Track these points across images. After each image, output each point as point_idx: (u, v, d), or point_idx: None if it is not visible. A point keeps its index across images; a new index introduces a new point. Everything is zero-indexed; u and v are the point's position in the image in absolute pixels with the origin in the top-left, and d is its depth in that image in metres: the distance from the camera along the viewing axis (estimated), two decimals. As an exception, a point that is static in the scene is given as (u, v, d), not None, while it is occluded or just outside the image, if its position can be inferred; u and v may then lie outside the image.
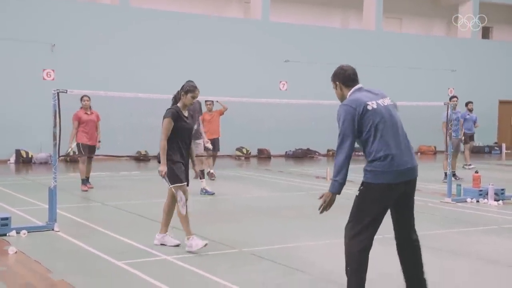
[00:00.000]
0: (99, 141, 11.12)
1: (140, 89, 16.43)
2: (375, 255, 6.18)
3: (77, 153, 11.17)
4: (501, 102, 25.03)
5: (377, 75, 21.98)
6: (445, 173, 12.02)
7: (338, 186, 4.27)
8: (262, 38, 20.56)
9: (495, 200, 9.84)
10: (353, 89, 4.41)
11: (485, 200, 9.89)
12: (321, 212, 4.37)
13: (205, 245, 6.08)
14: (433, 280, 4.79)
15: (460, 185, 10.25)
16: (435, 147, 22.84)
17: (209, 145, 10.90)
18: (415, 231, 4.48)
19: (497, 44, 25.82)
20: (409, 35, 23.90)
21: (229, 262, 5.87)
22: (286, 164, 18.46)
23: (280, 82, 20.79)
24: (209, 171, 12.77)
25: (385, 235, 7.09)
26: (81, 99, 10.98)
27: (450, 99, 13.75)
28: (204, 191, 10.52)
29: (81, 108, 11.02)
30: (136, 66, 18.49)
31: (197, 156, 10.55)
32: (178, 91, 6.30)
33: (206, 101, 12.83)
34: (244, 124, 18.25)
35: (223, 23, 20.25)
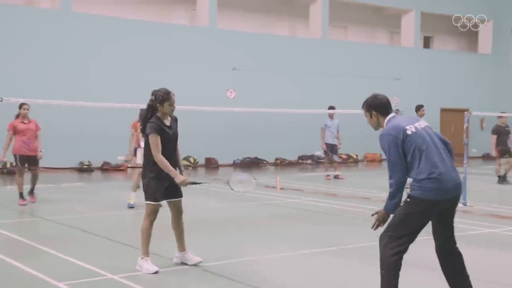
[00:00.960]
0: (41, 151, 10.53)
1: (82, 97, 16.08)
2: (332, 266, 6.04)
3: (14, 164, 10.56)
4: (443, 110, 25.64)
5: (324, 83, 22.12)
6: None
7: (392, 208, 4.41)
8: (209, 46, 20.28)
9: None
10: (388, 117, 4.55)
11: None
12: (375, 229, 4.53)
13: (156, 272, 5.70)
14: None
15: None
16: (380, 155, 23.13)
17: None
18: (455, 242, 4.62)
19: (438, 53, 26.48)
20: (354, 44, 24.17)
21: (181, 280, 5.56)
22: (234, 173, 18.16)
23: (228, 90, 20.55)
24: None
25: (340, 246, 7.01)
26: (20, 107, 10.39)
27: (418, 108, 13.90)
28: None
29: (18, 116, 10.42)
30: (77, 73, 17.85)
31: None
32: (153, 101, 5.82)
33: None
34: (191, 133, 17.87)
35: (169, 29, 19.86)
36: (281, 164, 21.04)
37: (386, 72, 23.49)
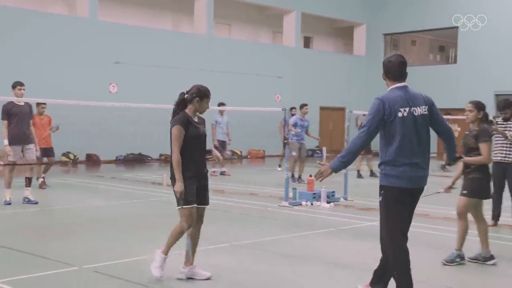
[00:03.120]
0: None
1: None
2: (224, 264, 6.07)
3: None
4: (322, 108, 26.74)
5: (209, 79, 21.96)
6: (292, 175, 12.74)
7: (339, 166, 4.39)
8: (91, 38, 19.54)
9: (327, 202, 10.36)
10: (395, 85, 4.47)
11: (318, 202, 10.36)
12: (317, 179, 4.49)
13: (159, 276, 5.35)
14: (289, 285, 4.81)
15: (295, 188, 10.62)
16: (264, 151, 23.65)
17: (38, 153, 10.11)
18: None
19: (317, 54, 27.56)
20: (238, 41, 24.47)
21: (68, 282, 5.33)
22: (117, 170, 17.72)
23: (110, 84, 19.94)
24: (41, 179, 11.93)
25: (232, 243, 7.08)
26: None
27: (302, 106, 14.36)
28: (26, 200, 9.78)
29: None
30: None
31: (28, 164, 9.65)
32: (188, 95, 5.41)
33: (38, 103, 11.82)
34: (71, 128, 17.14)
35: (47, 19, 18.86)
36: (166, 160, 20.81)
37: (269, 70, 24.04)
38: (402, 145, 4.34)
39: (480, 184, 6.15)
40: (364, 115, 15.59)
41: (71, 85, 18.33)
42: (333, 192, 10.75)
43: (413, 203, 4.51)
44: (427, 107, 4.48)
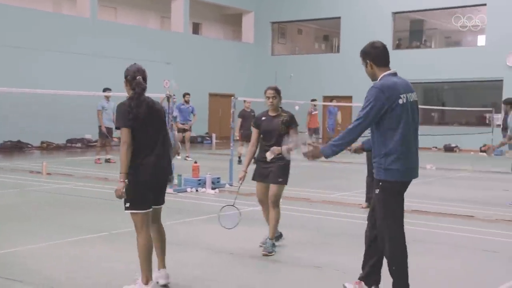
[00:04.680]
0: None
1: None
2: (103, 252, 5.92)
3: None
4: (211, 95, 26.78)
5: (93, 64, 21.37)
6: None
7: (330, 153, 4.26)
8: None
9: (212, 188, 10.42)
10: (387, 72, 4.27)
11: (204, 189, 10.39)
12: (306, 157, 4.37)
13: None
14: (171, 274, 4.77)
15: (180, 175, 10.56)
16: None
17: None
18: None
19: (206, 40, 27.49)
20: (125, 26, 23.80)
21: None
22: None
23: (-16, 67, 18.66)
24: None
25: (111, 232, 6.92)
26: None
27: (184, 95, 14.24)
28: None
29: None
30: None
31: None
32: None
33: None
34: None
35: None
36: (48, 148, 19.90)
37: (158, 56, 23.63)
38: (405, 133, 4.19)
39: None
40: (244, 101, 15.65)
41: None
42: (218, 178, 10.82)
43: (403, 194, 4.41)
44: (416, 94, 4.38)
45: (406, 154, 4.22)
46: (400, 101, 4.17)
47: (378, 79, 4.28)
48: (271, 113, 6.20)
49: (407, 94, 4.24)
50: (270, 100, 6.14)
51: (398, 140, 4.18)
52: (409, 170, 4.27)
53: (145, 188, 4.50)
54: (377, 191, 4.31)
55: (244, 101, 15.52)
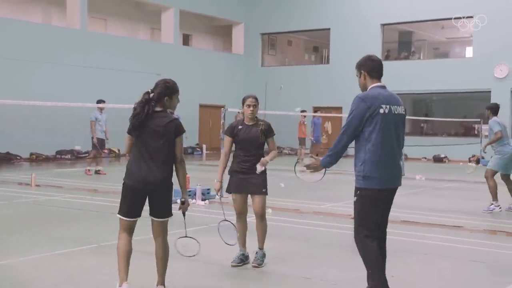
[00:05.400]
0: None
1: None
2: (92, 265, 5.89)
3: None
4: (201, 106, 26.80)
5: (83, 75, 21.35)
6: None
7: (327, 164, 4.47)
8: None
9: (202, 200, 10.41)
10: (376, 84, 4.44)
11: (194, 200, 10.37)
12: (308, 169, 4.58)
13: None
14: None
15: (170, 186, 10.53)
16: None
17: None
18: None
19: (196, 51, 27.56)
20: (115, 37, 23.81)
21: None
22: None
23: (-27, 79, 18.59)
24: None
25: (101, 244, 6.90)
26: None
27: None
28: None
29: None
30: None
31: None
32: (149, 94, 4.80)
33: None
34: None
35: None
36: (37, 159, 19.81)
37: (148, 67, 23.65)
38: (383, 142, 4.35)
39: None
40: (238, 112, 15.87)
41: None
42: (208, 189, 10.81)
43: (388, 202, 4.53)
44: (403, 107, 4.54)
45: (386, 163, 4.37)
46: (381, 111, 4.33)
47: (367, 90, 4.49)
48: (248, 122, 5.99)
49: (392, 106, 4.39)
50: (251, 108, 5.92)
51: (377, 148, 4.34)
52: (388, 179, 4.41)
53: (131, 194, 4.67)
54: (355, 198, 4.46)
55: (238, 112, 15.80)
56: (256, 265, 5.98)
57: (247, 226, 6.15)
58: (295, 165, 4.96)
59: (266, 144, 6.06)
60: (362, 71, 4.50)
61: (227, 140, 6.04)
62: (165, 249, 4.78)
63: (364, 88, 4.52)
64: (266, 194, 6.02)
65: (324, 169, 4.56)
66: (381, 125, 4.32)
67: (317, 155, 4.96)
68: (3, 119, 18.25)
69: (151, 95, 4.76)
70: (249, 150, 5.93)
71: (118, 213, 4.74)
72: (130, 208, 4.68)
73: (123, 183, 4.72)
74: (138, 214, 4.71)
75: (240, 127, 5.99)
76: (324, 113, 21.81)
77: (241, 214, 6.10)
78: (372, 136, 4.33)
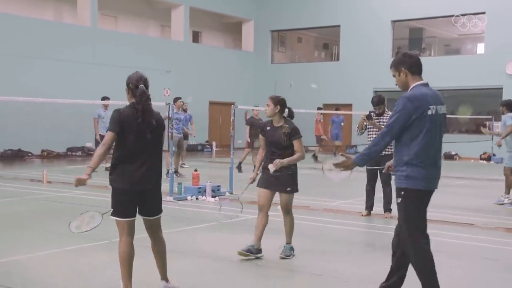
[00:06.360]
0: None
1: None
2: (102, 261, 5.91)
3: None
4: (211, 103, 26.81)
5: (93, 73, 21.44)
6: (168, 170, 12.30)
7: (360, 162, 4.29)
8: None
9: (212, 196, 10.42)
10: (419, 82, 4.28)
11: (204, 197, 10.39)
12: (337, 167, 4.40)
13: None
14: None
15: (181, 183, 10.56)
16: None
17: None
18: None
19: (206, 48, 27.56)
20: (125, 34, 23.88)
21: None
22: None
23: (-15, 76, 18.71)
24: None
25: (112, 240, 6.91)
26: None
27: (175, 100, 14.25)
28: None
29: None
30: None
31: None
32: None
33: None
34: None
35: None
36: (48, 156, 19.91)
37: (158, 64, 23.70)
38: (428, 144, 4.23)
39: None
40: (253, 109, 15.89)
41: None
42: (218, 186, 10.82)
43: (428, 204, 4.44)
44: (445, 106, 4.43)
45: (429, 164, 4.27)
46: (429, 112, 4.21)
47: (409, 89, 4.32)
48: (275, 124, 6.18)
49: (437, 106, 4.28)
50: (265, 108, 6.19)
51: (421, 149, 4.22)
52: (430, 180, 4.32)
53: (124, 196, 4.53)
54: (399, 200, 4.34)
55: (253, 109, 15.92)
56: (284, 256, 6.13)
57: (267, 222, 6.21)
58: (323, 163, 4.89)
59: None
60: (403, 68, 4.33)
61: (261, 138, 6.31)
62: (163, 244, 4.83)
63: (405, 86, 4.37)
64: (292, 192, 6.15)
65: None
66: (428, 126, 4.21)
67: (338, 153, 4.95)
68: (13, 116, 18.35)
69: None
70: (275, 150, 6.10)
71: (114, 215, 4.56)
72: (128, 209, 4.58)
73: (113, 187, 4.52)
74: (135, 213, 4.64)
75: (268, 128, 6.22)
76: (343, 111, 21.62)
77: (263, 208, 6.20)
78: (419, 137, 4.21)
